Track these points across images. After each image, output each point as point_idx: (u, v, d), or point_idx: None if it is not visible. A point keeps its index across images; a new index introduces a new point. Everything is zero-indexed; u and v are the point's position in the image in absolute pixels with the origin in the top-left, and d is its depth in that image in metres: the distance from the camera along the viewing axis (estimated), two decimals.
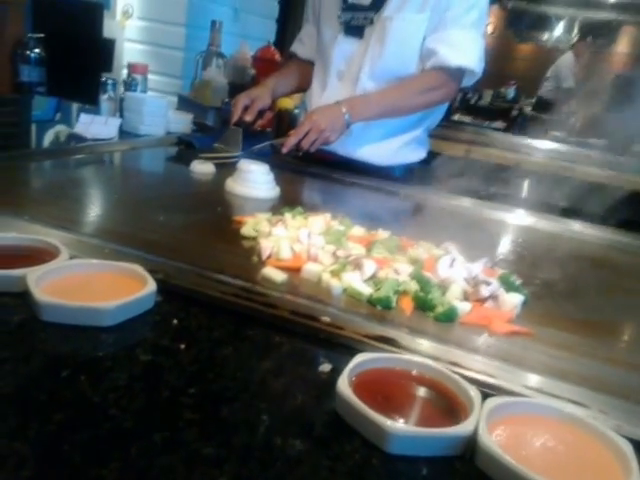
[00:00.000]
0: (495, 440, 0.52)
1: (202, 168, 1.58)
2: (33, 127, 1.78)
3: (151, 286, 0.72)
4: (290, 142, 1.57)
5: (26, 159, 1.45)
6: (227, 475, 0.47)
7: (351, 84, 1.77)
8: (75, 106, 2.05)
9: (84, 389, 0.56)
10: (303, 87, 2.00)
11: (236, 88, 2.59)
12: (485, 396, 0.59)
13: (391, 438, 0.52)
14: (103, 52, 2.21)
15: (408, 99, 1.70)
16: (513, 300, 0.88)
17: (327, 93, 1.82)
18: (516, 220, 1.58)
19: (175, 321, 0.71)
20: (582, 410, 0.61)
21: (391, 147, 1.81)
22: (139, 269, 0.76)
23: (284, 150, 1.57)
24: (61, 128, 1.87)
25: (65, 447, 0.48)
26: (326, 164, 1.82)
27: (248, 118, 1.72)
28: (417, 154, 1.91)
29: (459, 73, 1.67)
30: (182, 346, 0.66)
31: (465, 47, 1.64)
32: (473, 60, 1.65)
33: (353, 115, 1.61)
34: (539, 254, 1.31)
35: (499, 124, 3.79)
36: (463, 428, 0.53)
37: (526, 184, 3.08)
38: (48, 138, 1.78)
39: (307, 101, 1.96)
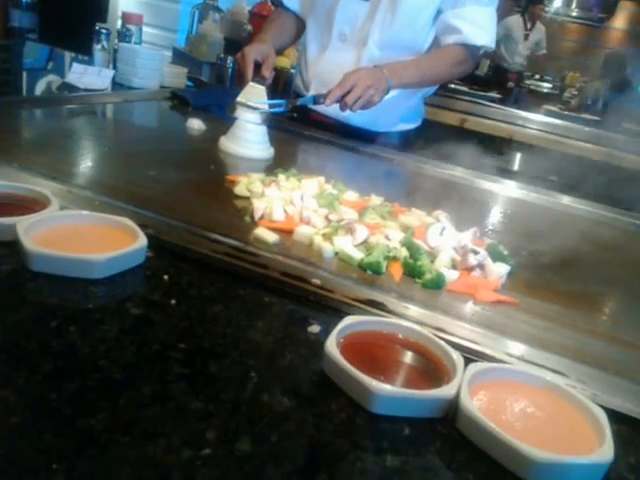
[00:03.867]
0: (476, 404, 0.53)
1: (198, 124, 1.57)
2: (24, 75, 1.75)
3: (142, 240, 0.72)
4: (335, 94, 1.50)
5: (16, 106, 1.43)
6: (214, 429, 0.48)
7: (354, 48, 1.75)
8: (68, 55, 2.01)
9: (73, 340, 0.56)
10: (292, 43, 1.98)
11: (232, 44, 2.56)
12: (468, 362, 0.60)
13: (376, 398, 0.53)
14: (97, 0, 2.16)
15: (438, 71, 1.70)
16: (499, 270, 0.89)
17: (328, 54, 1.79)
18: (507, 192, 1.59)
19: (166, 277, 0.72)
20: (561, 379, 0.63)
21: (388, 114, 1.79)
22: (130, 223, 0.75)
23: (327, 103, 1.51)
24: (53, 77, 1.85)
25: (53, 396, 0.48)
26: (322, 127, 1.80)
27: (267, 74, 1.69)
28: (413, 122, 1.92)
29: (478, 50, 1.70)
30: (172, 302, 0.66)
31: (486, 25, 1.67)
32: (492, 38, 1.68)
33: (394, 79, 1.58)
34: (527, 226, 1.32)
35: (494, 95, 3.76)
36: (445, 391, 0.54)
37: (519, 156, 3.08)
38: (40, 87, 1.75)
39: (302, 63, 1.93)
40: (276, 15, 1.94)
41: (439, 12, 1.68)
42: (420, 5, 1.66)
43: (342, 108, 1.53)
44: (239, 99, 1.62)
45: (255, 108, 1.53)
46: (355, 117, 1.74)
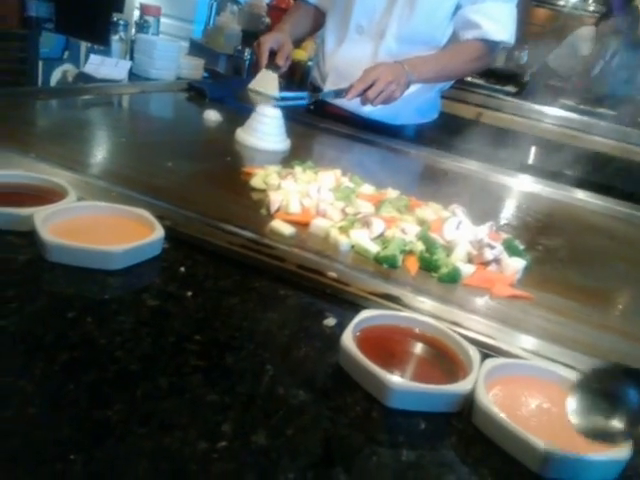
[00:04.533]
0: (492, 399, 0.53)
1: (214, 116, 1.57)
2: (40, 64, 1.76)
3: (159, 232, 0.72)
4: (357, 89, 1.51)
5: (33, 97, 1.44)
6: (230, 422, 0.48)
7: (372, 41, 1.74)
8: (84, 45, 2.01)
9: (90, 331, 0.56)
10: (311, 34, 2.01)
11: (249, 36, 2.55)
12: (484, 356, 0.60)
13: (392, 392, 0.53)
14: None
15: (457, 66, 1.71)
16: (515, 264, 0.88)
17: (345, 47, 1.79)
18: (522, 186, 1.58)
19: (182, 269, 0.72)
20: (576, 374, 0.62)
21: (405, 108, 1.78)
22: (147, 214, 0.75)
23: (348, 97, 1.52)
24: (69, 67, 1.85)
25: (70, 387, 0.48)
26: (338, 120, 1.80)
27: (281, 63, 1.69)
28: (429, 115, 1.92)
29: (498, 46, 1.70)
30: (189, 293, 0.66)
31: (505, 21, 1.66)
32: (512, 35, 1.68)
33: (415, 74, 1.58)
34: (543, 221, 1.32)
35: (510, 88, 3.72)
36: (462, 386, 0.54)
37: (534, 151, 3.05)
38: (55, 77, 1.76)
39: (320, 55, 1.92)
40: (296, 7, 1.95)
41: (458, 7, 1.67)
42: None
43: (363, 102, 1.53)
44: (251, 86, 1.62)
45: (268, 96, 1.53)
46: (372, 110, 1.73)
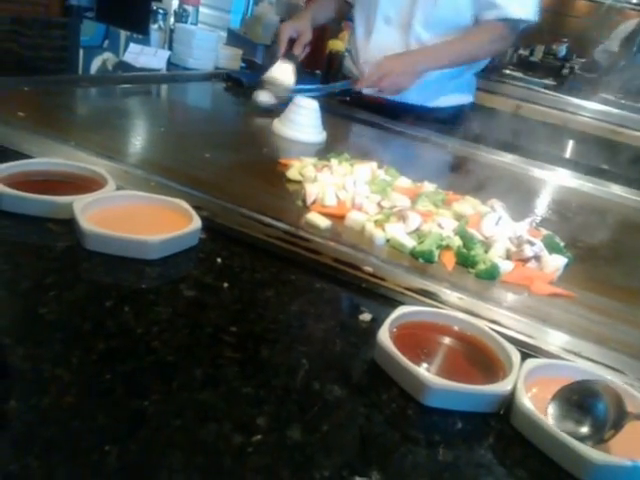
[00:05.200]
0: (531, 401, 0.52)
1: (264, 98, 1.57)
2: (81, 53, 1.78)
3: (196, 223, 0.73)
4: (368, 80, 1.55)
5: (74, 84, 1.45)
6: (266, 415, 0.48)
7: (400, 30, 1.75)
8: (123, 34, 2.03)
9: (128, 320, 0.57)
10: (336, 21, 2.04)
11: None
12: (524, 356, 0.58)
13: (429, 391, 0.52)
14: None
15: (475, 50, 1.70)
16: (556, 262, 0.86)
17: (374, 37, 1.79)
18: (561, 181, 1.54)
19: (219, 260, 0.72)
20: (619, 377, 0.60)
21: (440, 89, 1.79)
22: (185, 205, 0.76)
23: (358, 87, 1.56)
24: (109, 55, 1.87)
25: (107, 377, 0.49)
26: (373, 108, 1.79)
27: (297, 51, 1.69)
28: (465, 97, 1.91)
29: (519, 24, 1.67)
30: (225, 285, 0.66)
31: None
32: (532, 11, 1.65)
33: (426, 62, 1.60)
34: (583, 217, 1.29)
35: (549, 82, 3.64)
36: (501, 387, 0.53)
37: (572, 145, 2.99)
38: (95, 65, 1.77)
39: (352, 47, 1.93)
40: None
41: None
42: None
43: (377, 93, 1.57)
44: (266, 76, 1.62)
45: (283, 86, 1.53)
46: (408, 95, 1.73)
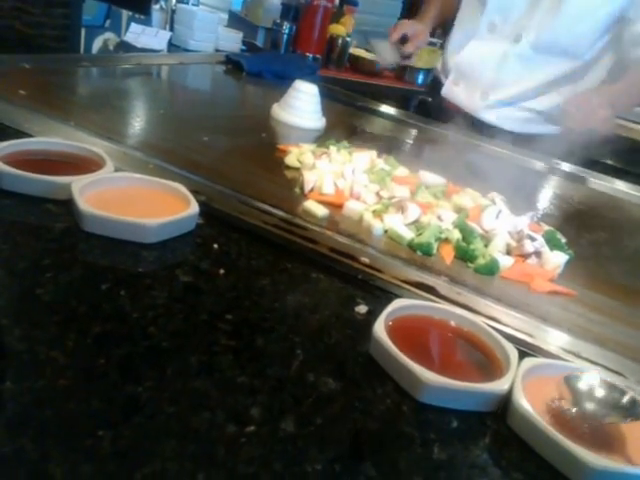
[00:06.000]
0: (529, 401, 0.51)
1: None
2: (82, 32, 1.76)
3: (194, 207, 0.72)
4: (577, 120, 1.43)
5: (74, 64, 1.44)
6: (259, 406, 0.47)
7: (505, 41, 1.59)
8: (125, 14, 2.01)
9: (123, 304, 0.56)
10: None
11: (289, 9, 2.52)
12: (522, 355, 0.58)
13: (425, 388, 0.51)
14: None
15: None
16: (557, 259, 0.86)
17: (473, 44, 1.66)
18: (565, 175, 1.53)
19: (215, 245, 0.71)
20: (619, 379, 0.60)
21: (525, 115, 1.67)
22: (183, 189, 0.75)
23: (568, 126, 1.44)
24: (110, 35, 1.85)
25: (102, 361, 0.48)
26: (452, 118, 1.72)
27: (408, 49, 1.67)
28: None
29: None
30: (221, 271, 0.66)
31: None
32: None
33: (616, 110, 1.49)
34: (587, 213, 1.28)
35: None
36: (499, 386, 0.53)
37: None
38: (97, 44, 1.76)
39: (445, 53, 1.81)
40: None
41: (623, 20, 1.48)
42: (589, 7, 1.47)
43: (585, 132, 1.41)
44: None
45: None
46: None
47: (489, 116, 1.68)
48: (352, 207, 0.90)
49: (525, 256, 0.85)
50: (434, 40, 2.89)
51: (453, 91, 1.74)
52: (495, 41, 1.60)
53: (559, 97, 1.58)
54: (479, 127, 1.68)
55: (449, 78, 1.75)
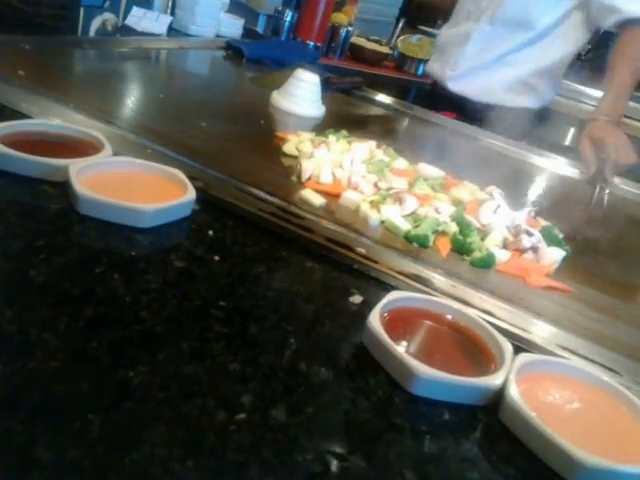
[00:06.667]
0: (522, 397, 0.51)
1: None
2: (81, 12, 1.74)
3: (191, 193, 0.71)
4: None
5: (74, 45, 1.43)
6: (251, 393, 0.47)
7: (471, 22, 1.83)
8: None
9: (117, 287, 0.56)
10: None
11: None
12: (516, 350, 0.58)
13: (417, 380, 0.51)
14: None
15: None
16: (554, 254, 0.85)
17: (454, 30, 1.90)
18: (563, 170, 1.53)
19: (210, 232, 0.71)
20: (615, 378, 0.60)
21: (491, 83, 1.84)
22: (180, 174, 0.74)
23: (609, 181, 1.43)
24: (109, 16, 1.83)
25: (94, 344, 0.48)
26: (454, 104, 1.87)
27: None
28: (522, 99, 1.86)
29: None
30: (216, 258, 0.65)
31: None
32: None
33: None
34: (584, 209, 1.28)
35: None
36: (492, 380, 0.52)
37: (574, 133, 2.96)
38: (95, 25, 1.74)
39: (439, 38, 2.02)
40: None
41: None
42: None
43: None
44: None
45: None
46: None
47: (457, 86, 1.88)
48: (349, 197, 0.89)
49: (522, 251, 0.85)
50: (435, 31, 2.88)
51: (433, 67, 2.01)
52: (466, 24, 1.85)
53: (523, 69, 1.79)
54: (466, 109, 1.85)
55: (431, 58, 2.05)
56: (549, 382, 0.55)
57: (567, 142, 2.98)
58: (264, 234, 0.74)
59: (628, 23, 1.52)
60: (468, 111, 1.82)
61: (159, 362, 0.48)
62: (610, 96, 1.51)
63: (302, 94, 1.36)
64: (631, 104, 2.94)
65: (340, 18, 2.67)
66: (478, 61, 1.83)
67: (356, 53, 2.79)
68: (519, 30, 1.71)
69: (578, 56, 2.64)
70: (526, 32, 1.71)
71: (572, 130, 2.96)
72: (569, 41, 1.75)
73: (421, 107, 1.77)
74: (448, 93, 1.90)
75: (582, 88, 3.04)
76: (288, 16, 2.42)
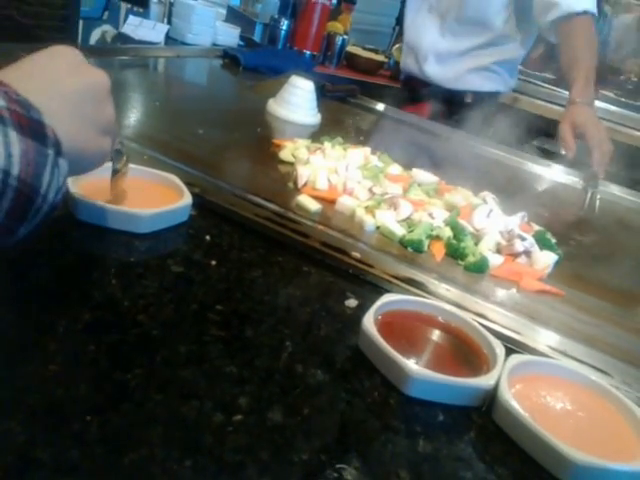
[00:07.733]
0: (514, 397, 0.52)
1: None
2: (80, 23, 1.75)
3: (187, 199, 0.72)
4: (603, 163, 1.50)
5: None
6: (247, 395, 0.48)
7: (438, 20, 1.92)
8: (124, 7, 2.01)
9: (114, 292, 0.56)
10: None
11: (286, 5, 2.52)
12: (508, 352, 0.59)
13: (412, 381, 0.52)
14: None
15: (594, 55, 1.64)
16: (546, 259, 0.86)
17: (417, 22, 1.99)
18: (555, 176, 1.54)
19: (207, 237, 0.71)
20: (605, 378, 0.60)
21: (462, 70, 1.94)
22: (177, 180, 0.75)
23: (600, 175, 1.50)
24: (108, 28, 1.85)
25: (92, 347, 0.48)
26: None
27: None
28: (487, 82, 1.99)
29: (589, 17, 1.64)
30: (213, 262, 0.66)
31: None
32: (593, 2, 1.62)
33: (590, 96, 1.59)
34: (576, 214, 1.29)
35: (548, 75, 3.62)
36: (485, 381, 0.53)
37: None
38: (95, 36, 1.75)
39: (406, 32, 2.09)
40: None
41: None
42: None
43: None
44: None
45: None
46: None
47: (432, 74, 1.99)
48: (345, 203, 0.90)
49: (515, 255, 0.86)
50: None
51: (406, 62, 2.09)
52: (432, 19, 1.94)
53: (489, 58, 1.91)
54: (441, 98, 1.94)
55: (403, 54, 2.12)
56: (541, 383, 0.56)
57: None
58: (261, 239, 0.75)
59: (567, 18, 1.61)
60: (440, 99, 1.93)
61: (156, 365, 0.48)
62: (580, 81, 1.58)
63: (298, 101, 1.37)
64: (623, 111, 2.98)
65: (336, 27, 2.69)
66: (449, 54, 1.95)
67: (352, 62, 2.80)
68: (482, 29, 1.84)
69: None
70: (490, 31, 1.85)
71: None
72: (524, 39, 1.91)
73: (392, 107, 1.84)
74: (421, 86, 2.03)
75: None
76: (284, 25, 2.44)
